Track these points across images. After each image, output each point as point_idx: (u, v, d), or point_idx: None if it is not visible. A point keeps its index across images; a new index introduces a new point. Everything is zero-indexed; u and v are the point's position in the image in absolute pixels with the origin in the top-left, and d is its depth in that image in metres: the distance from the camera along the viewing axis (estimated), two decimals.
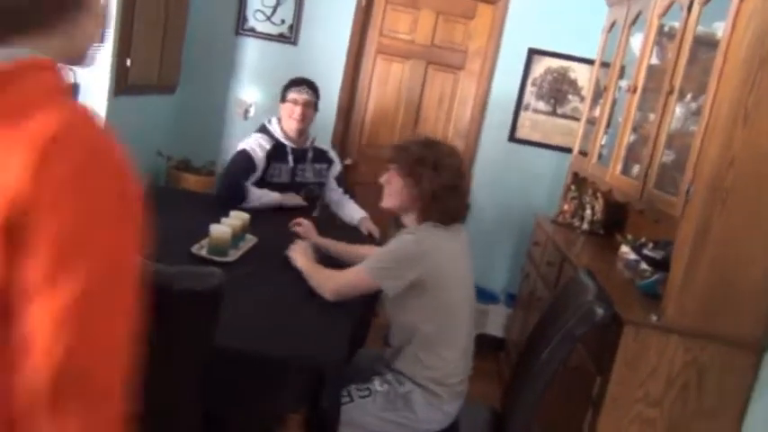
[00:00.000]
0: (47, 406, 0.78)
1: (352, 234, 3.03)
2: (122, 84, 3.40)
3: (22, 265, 0.79)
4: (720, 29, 2.27)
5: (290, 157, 3.26)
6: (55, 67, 0.90)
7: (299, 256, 2.37)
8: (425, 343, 2.12)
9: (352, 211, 3.30)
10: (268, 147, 3.21)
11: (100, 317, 0.82)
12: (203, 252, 2.39)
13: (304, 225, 2.76)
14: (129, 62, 3.41)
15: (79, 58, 1.00)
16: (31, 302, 0.79)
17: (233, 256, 2.42)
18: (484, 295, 4.18)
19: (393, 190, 2.20)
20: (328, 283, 2.17)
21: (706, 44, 2.50)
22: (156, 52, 3.75)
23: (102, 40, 3.12)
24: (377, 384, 2.15)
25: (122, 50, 3.32)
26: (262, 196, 3.11)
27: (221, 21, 4.20)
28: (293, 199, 3.21)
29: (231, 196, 3.04)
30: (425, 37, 4.25)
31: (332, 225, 3.15)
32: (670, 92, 2.55)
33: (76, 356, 0.79)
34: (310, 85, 3.29)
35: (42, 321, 0.78)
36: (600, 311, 2.06)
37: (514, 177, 4.28)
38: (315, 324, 2.04)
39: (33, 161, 0.79)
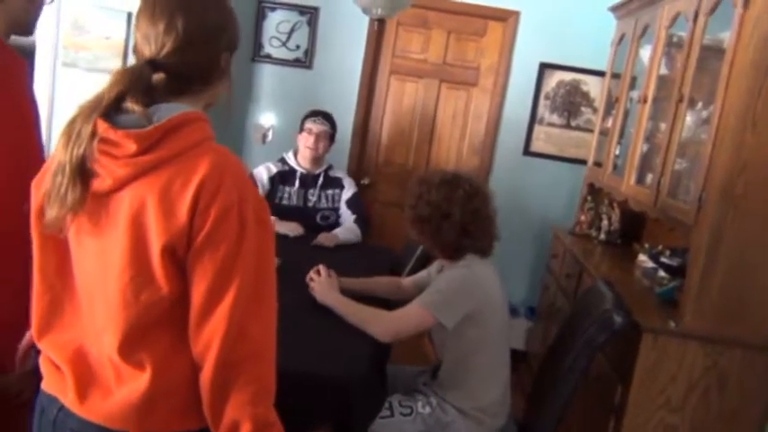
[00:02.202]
0: (224, 363, 1.09)
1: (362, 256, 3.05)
2: None
3: (191, 282, 1.10)
4: (727, 37, 2.31)
5: (297, 181, 3.34)
6: (206, 119, 1.18)
7: (327, 292, 2.30)
8: (476, 375, 2.16)
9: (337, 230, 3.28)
10: (275, 170, 3.35)
11: (255, 307, 1.11)
12: None
13: (321, 278, 2.41)
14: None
15: (211, 106, 1.29)
16: (201, 306, 1.10)
17: None
18: None
19: (422, 241, 2.27)
20: (380, 323, 2.14)
21: (714, 52, 2.54)
22: None
23: None
24: (420, 405, 2.17)
25: None
26: None
27: (239, 48, 4.29)
28: (289, 228, 3.18)
29: None
30: (438, 56, 4.32)
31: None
32: (680, 100, 2.58)
33: (244, 325, 1.09)
34: (326, 117, 3.41)
35: (215, 316, 1.09)
36: (618, 319, 2.09)
37: (531, 191, 4.32)
38: (335, 341, 2.08)
39: (193, 198, 1.07)
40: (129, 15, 3.23)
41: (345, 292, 2.36)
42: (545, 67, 4.18)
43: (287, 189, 3.35)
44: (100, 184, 1.10)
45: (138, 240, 1.09)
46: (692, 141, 2.58)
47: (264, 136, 4.37)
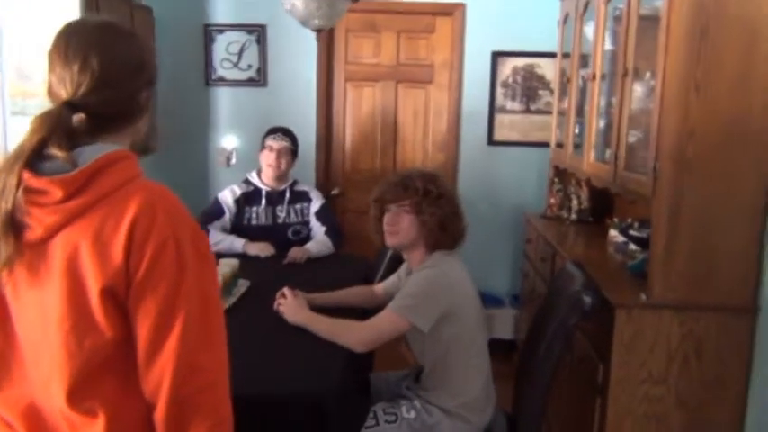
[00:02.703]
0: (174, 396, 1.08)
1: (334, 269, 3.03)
2: None
3: (135, 322, 1.08)
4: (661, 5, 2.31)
5: (264, 200, 3.32)
6: (132, 156, 1.17)
7: (297, 311, 2.27)
8: (457, 371, 2.14)
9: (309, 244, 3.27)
10: (239, 192, 3.33)
11: (203, 339, 1.11)
12: None
13: (288, 299, 2.36)
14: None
15: (137, 146, 1.27)
16: (148, 344, 1.08)
17: (227, 303, 2.45)
18: (488, 300, 4.20)
19: (402, 227, 2.21)
20: (351, 334, 2.11)
21: (653, 22, 2.53)
22: None
23: None
24: (404, 410, 2.14)
25: None
26: (219, 242, 3.16)
27: (190, 75, 4.28)
28: (259, 248, 3.16)
29: None
30: (390, 57, 4.32)
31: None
32: (624, 74, 2.59)
33: (193, 358, 1.09)
34: (286, 133, 3.39)
35: (163, 354, 1.08)
36: (588, 300, 2.09)
37: (500, 180, 4.32)
38: (308, 359, 2.05)
39: (127, 238, 1.06)
40: None
41: (319, 307, 2.34)
42: (497, 56, 4.19)
43: (254, 209, 3.33)
44: (31, 234, 1.08)
45: (75, 287, 1.07)
46: (643, 112, 2.59)
47: (228, 159, 4.35)
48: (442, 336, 2.11)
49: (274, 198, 3.34)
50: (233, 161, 4.34)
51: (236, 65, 4.26)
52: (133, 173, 1.14)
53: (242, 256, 2.97)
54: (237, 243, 3.17)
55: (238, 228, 3.29)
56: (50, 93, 1.16)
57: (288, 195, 3.37)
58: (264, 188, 3.34)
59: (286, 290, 2.38)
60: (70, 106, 1.12)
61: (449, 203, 2.20)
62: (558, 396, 2.79)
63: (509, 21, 4.13)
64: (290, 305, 2.31)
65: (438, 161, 4.34)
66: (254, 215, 3.32)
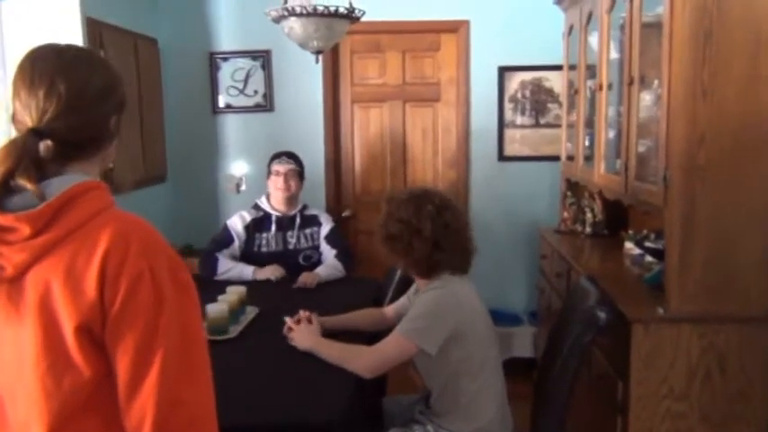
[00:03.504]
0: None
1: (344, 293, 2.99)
2: (108, 185, 3.46)
3: (113, 358, 1.04)
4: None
5: (273, 226, 3.29)
6: (102, 186, 1.13)
7: (306, 337, 2.24)
8: (468, 395, 2.08)
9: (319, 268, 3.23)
10: (249, 218, 3.30)
11: (186, 374, 1.06)
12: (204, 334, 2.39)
13: (300, 326, 2.34)
14: (111, 164, 3.48)
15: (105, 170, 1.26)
16: (128, 381, 1.04)
17: (234, 332, 2.42)
18: (506, 318, 4.13)
19: (394, 260, 2.24)
20: (359, 360, 2.08)
21: (657, 29, 2.49)
22: (137, 149, 3.83)
23: None
24: None
25: None
26: (229, 269, 3.16)
27: (197, 104, 4.29)
28: (269, 272, 3.13)
29: (204, 269, 3.18)
30: (396, 77, 4.30)
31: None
32: (630, 83, 2.54)
33: (174, 394, 1.04)
34: (290, 156, 3.37)
35: (143, 390, 1.03)
36: (602, 315, 2.03)
37: (512, 195, 4.26)
38: (317, 386, 2.01)
39: (99, 271, 1.02)
40: None
41: (329, 331, 2.32)
42: (504, 71, 4.15)
43: (264, 235, 3.30)
44: (2, 273, 1.04)
45: (49, 326, 1.03)
46: (652, 121, 2.53)
47: (238, 185, 4.34)
48: (450, 358, 2.06)
49: (285, 223, 3.32)
50: (243, 187, 4.33)
51: (242, 91, 4.26)
52: (103, 203, 1.10)
53: (251, 283, 2.94)
54: (247, 270, 3.14)
55: (248, 254, 3.26)
56: (15, 120, 1.13)
57: (298, 220, 3.34)
58: (275, 213, 3.32)
59: (302, 313, 2.36)
60: (36, 134, 1.08)
61: (441, 228, 2.12)
62: (578, 415, 2.70)
63: (514, 35, 4.10)
64: (300, 331, 2.28)
65: (449, 179, 4.30)
66: (264, 241, 3.30)
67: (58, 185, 1.07)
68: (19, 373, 1.07)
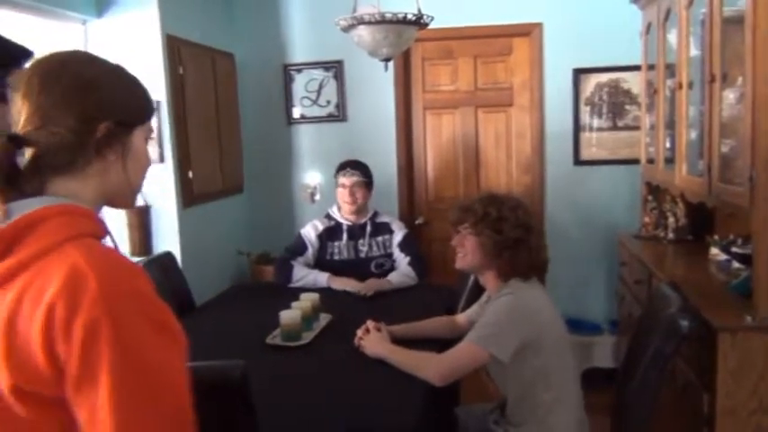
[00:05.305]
0: None
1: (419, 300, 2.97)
2: (189, 196, 3.60)
3: (76, 403, 0.86)
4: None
5: (345, 235, 3.32)
6: (76, 212, 0.95)
7: (377, 344, 2.25)
8: (545, 406, 2.03)
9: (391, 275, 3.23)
10: (321, 227, 3.35)
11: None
12: (277, 340, 2.43)
13: (370, 334, 2.35)
14: (191, 175, 3.61)
15: (120, 201, 1.08)
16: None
17: (307, 338, 2.45)
18: (585, 327, 4.02)
19: (467, 250, 2.17)
20: (430, 367, 2.05)
21: (739, 23, 2.37)
22: (215, 161, 3.96)
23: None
24: None
25: (183, 167, 3.53)
26: (303, 277, 3.20)
27: (272, 115, 4.39)
28: (341, 283, 3.14)
29: (279, 276, 3.25)
30: (468, 83, 4.27)
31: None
32: (712, 80, 2.42)
33: None
34: (356, 166, 3.38)
35: None
36: (684, 324, 1.95)
37: (590, 200, 4.14)
38: (389, 393, 2.01)
39: (43, 327, 0.84)
40: (157, 104, 3.34)
41: (400, 339, 2.32)
42: (579, 73, 4.05)
43: (336, 244, 3.33)
44: None
45: None
46: (736, 120, 2.40)
47: (312, 194, 4.40)
48: (524, 366, 2.01)
49: (356, 232, 3.34)
50: (317, 197, 4.38)
51: (315, 102, 4.33)
52: (68, 233, 0.92)
53: (325, 291, 2.97)
54: (321, 277, 3.18)
55: (321, 263, 3.30)
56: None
57: (369, 228, 3.35)
58: (345, 222, 3.35)
59: (369, 323, 2.36)
60: (11, 140, 0.95)
61: (514, 229, 2.08)
62: (661, 428, 2.59)
63: (589, 36, 3.99)
64: (371, 338, 2.29)
65: (523, 184, 4.22)
66: (336, 250, 3.33)
67: (21, 208, 0.92)
68: None
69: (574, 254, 4.10)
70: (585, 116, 4.10)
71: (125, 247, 3.33)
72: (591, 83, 4.06)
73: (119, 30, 3.35)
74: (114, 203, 1.08)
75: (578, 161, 4.13)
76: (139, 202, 3.36)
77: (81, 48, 3.12)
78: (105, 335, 0.84)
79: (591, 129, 4.10)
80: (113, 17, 3.36)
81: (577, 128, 4.11)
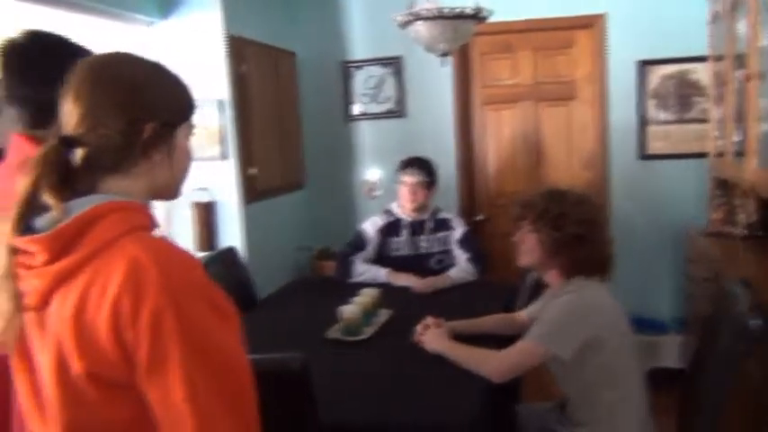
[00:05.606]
0: None
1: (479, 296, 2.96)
2: (252, 192, 3.67)
3: (147, 386, 0.92)
4: None
5: (405, 231, 3.34)
6: (132, 207, 1.00)
7: (436, 340, 2.25)
8: (608, 406, 2.01)
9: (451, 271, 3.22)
10: (381, 223, 3.36)
11: (226, 410, 0.94)
12: (337, 335, 2.46)
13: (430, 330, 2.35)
14: (255, 171, 3.69)
15: (166, 195, 1.12)
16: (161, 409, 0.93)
17: (366, 333, 2.47)
18: (650, 325, 3.92)
19: (528, 247, 2.15)
20: (489, 364, 2.06)
21: None
22: (277, 157, 4.03)
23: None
24: None
25: (246, 163, 3.61)
26: (363, 272, 3.22)
27: (332, 112, 4.44)
28: (401, 279, 3.16)
29: (340, 272, 3.28)
30: (528, 77, 4.21)
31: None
32: None
33: None
34: (420, 165, 3.37)
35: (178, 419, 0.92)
36: (755, 323, 1.87)
37: (655, 196, 4.04)
38: (449, 389, 2.01)
39: (111, 317, 0.90)
40: (221, 102, 3.42)
41: (459, 335, 2.31)
42: (644, 65, 3.95)
43: (396, 240, 3.35)
44: (29, 301, 0.96)
45: (62, 366, 0.94)
46: None
47: (371, 190, 4.42)
48: (586, 366, 1.98)
49: (416, 228, 3.35)
50: (377, 192, 4.41)
51: (374, 98, 4.35)
52: (125, 227, 0.97)
53: (385, 286, 2.99)
54: (381, 273, 3.20)
55: (382, 258, 3.33)
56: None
57: (430, 225, 3.36)
58: (406, 218, 3.36)
59: (429, 319, 2.36)
60: (65, 142, 0.98)
61: (574, 225, 2.04)
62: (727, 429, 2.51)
63: (654, 27, 3.88)
64: (431, 334, 2.29)
65: (586, 179, 4.14)
66: (396, 246, 3.34)
67: (79, 206, 0.96)
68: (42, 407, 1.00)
69: (639, 251, 4.00)
70: (651, 109, 3.99)
71: (189, 243, 3.42)
72: (656, 74, 3.95)
73: (183, 31, 3.44)
74: (160, 197, 1.12)
75: (644, 155, 4.03)
76: (204, 198, 3.45)
77: (148, 49, 3.22)
78: (170, 321, 0.90)
79: (657, 122, 4.00)
80: (178, 18, 3.45)
81: (642, 121, 4.01)
